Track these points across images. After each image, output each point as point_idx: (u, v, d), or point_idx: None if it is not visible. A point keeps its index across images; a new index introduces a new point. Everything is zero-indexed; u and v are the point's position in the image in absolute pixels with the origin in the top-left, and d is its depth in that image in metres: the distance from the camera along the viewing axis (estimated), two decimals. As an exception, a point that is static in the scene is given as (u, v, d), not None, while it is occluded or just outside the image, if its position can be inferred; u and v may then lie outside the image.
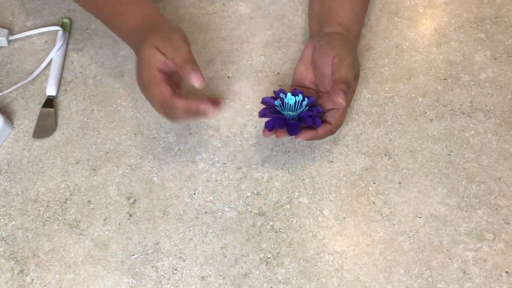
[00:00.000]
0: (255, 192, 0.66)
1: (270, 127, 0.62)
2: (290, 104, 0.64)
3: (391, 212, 0.64)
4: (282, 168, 0.68)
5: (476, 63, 0.76)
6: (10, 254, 0.62)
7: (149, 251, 0.62)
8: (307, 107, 0.64)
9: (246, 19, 0.81)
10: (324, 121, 0.65)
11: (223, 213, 0.64)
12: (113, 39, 0.79)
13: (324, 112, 0.66)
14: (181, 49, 0.60)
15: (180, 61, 0.60)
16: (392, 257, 0.61)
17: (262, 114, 0.64)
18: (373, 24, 0.80)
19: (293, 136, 0.64)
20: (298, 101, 0.64)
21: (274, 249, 0.62)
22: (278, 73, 0.76)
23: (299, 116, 0.63)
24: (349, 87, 0.62)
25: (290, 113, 0.64)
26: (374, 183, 0.66)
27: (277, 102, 0.64)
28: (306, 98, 0.64)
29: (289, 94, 0.64)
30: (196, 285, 0.60)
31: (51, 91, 0.73)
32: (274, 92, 0.66)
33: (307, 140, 0.64)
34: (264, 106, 0.66)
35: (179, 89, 0.65)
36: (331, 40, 0.66)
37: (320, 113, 0.64)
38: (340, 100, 0.60)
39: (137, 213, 0.64)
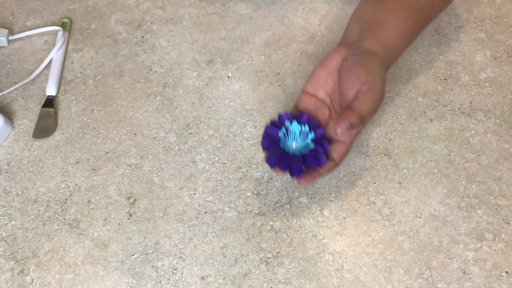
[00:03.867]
0: (255, 192, 0.66)
1: (272, 165, 0.57)
2: (295, 132, 0.60)
3: (391, 212, 0.64)
4: (282, 168, 0.68)
5: (476, 63, 0.76)
6: (10, 254, 0.62)
7: (149, 251, 0.62)
8: (313, 142, 0.59)
9: (246, 19, 0.81)
10: (327, 157, 0.58)
11: (223, 213, 0.64)
12: (113, 39, 0.79)
13: (329, 142, 0.60)
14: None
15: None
16: (392, 257, 0.61)
17: (265, 146, 0.59)
18: (373, 24, 0.80)
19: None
20: (304, 131, 0.59)
21: (274, 249, 0.62)
22: (278, 73, 0.76)
23: (302, 155, 0.58)
24: (362, 123, 0.55)
25: (294, 146, 0.60)
26: (374, 183, 0.66)
27: (281, 133, 0.59)
28: (312, 131, 0.59)
29: (294, 123, 0.59)
30: (196, 285, 0.60)
31: (51, 91, 0.73)
32: (279, 116, 0.60)
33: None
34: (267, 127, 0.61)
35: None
36: (367, 60, 0.57)
37: (328, 151, 0.58)
38: (339, 132, 0.53)
39: (137, 213, 0.64)
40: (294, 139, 0.60)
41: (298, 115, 0.60)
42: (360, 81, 0.55)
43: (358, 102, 0.54)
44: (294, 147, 0.60)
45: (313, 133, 0.59)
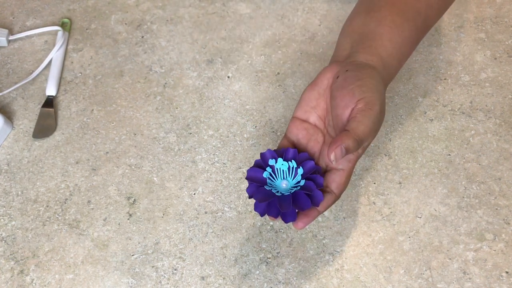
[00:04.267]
0: (255, 192, 0.66)
1: (261, 213, 0.50)
2: (283, 170, 0.52)
3: (391, 212, 0.64)
4: (282, 168, 0.68)
5: (476, 63, 0.76)
6: (10, 254, 0.62)
7: (149, 251, 0.62)
8: (303, 179, 0.51)
9: (246, 19, 0.81)
10: (324, 189, 0.51)
11: (223, 213, 0.64)
12: (113, 39, 0.79)
13: (324, 171, 0.53)
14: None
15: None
16: (392, 257, 0.61)
17: (250, 193, 0.51)
18: (373, 24, 0.80)
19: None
20: (292, 167, 0.52)
21: (274, 249, 0.62)
22: (278, 73, 0.76)
23: (293, 195, 0.50)
24: (360, 146, 0.48)
25: (284, 186, 0.52)
26: (374, 183, 0.66)
27: (265, 174, 0.52)
28: (301, 167, 0.52)
29: (280, 160, 0.52)
30: (196, 285, 0.60)
31: (51, 91, 0.73)
32: (262, 154, 0.53)
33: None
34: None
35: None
36: (361, 75, 0.50)
37: (322, 186, 0.51)
38: (333, 158, 0.46)
39: (137, 213, 0.64)
40: (283, 177, 0.53)
41: (283, 151, 0.53)
42: (355, 98, 0.48)
43: (353, 123, 0.47)
44: (285, 187, 0.52)
45: (301, 169, 0.52)
